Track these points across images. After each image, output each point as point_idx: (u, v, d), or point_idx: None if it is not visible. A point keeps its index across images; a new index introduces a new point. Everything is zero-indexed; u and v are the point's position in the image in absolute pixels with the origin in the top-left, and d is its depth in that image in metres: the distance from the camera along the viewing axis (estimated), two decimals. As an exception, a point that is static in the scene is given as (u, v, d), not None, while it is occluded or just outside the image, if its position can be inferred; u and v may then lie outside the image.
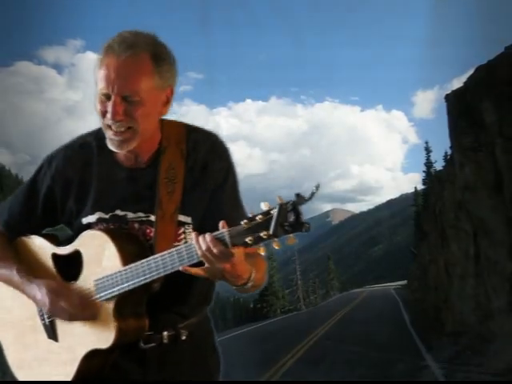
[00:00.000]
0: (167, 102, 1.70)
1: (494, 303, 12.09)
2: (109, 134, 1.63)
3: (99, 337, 1.62)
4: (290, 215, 1.36)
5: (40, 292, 1.66)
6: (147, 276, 1.56)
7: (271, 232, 1.37)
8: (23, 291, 1.73)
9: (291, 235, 1.39)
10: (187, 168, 1.72)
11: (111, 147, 1.65)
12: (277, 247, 1.41)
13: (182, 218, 1.69)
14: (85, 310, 1.63)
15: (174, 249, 1.54)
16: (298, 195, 1.37)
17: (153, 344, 1.69)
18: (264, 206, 1.41)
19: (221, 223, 1.45)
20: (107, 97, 1.59)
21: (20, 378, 1.81)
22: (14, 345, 1.83)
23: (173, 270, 1.54)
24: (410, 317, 22.25)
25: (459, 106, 15.27)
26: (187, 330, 1.74)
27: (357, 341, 14.52)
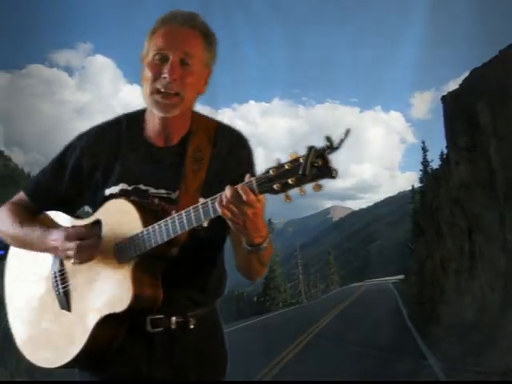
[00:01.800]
0: (206, 82, 1.74)
1: (488, 297, 12.08)
2: (156, 97, 1.63)
3: (115, 300, 1.59)
4: (319, 160, 1.31)
5: (57, 234, 1.64)
6: (170, 232, 1.53)
7: (300, 172, 1.31)
8: (44, 241, 1.69)
9: (318, 182, 1.34)
10: (213, 154, 1.72)
11: (157, 111, 1.66)
12: (302, 193, 1.36)
13: (202, 200, 1.62)
14: (98, 250, 1.61)
15: (199, 204, 1.51)
16: (328, 139, 1.31)
17: (160, 328, 1.66)
18: (290, 157, 1.36)
19: (247, 176, 1.43)
20: (164, 59, 1.62)
21: (25, 352, 1.77)
22: (24, 319, 1.80)
23: (197, 224, 1.50)
24: (408, 310, 22.24)
25: (455, 108, 15.26)
26: (196, 319, 1.71)
27: (356, 333, 14.53)
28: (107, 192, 1.71)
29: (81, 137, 1.80)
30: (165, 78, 1.61)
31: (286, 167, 1.35)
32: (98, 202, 1.72)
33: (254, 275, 1.75)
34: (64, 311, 1.70)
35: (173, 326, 1.67)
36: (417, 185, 49.86)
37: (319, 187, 1.34)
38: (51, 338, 1.73)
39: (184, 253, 1.62)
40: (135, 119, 1.77)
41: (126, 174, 1.71)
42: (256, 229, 1.51)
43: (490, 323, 9.39)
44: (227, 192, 1.43)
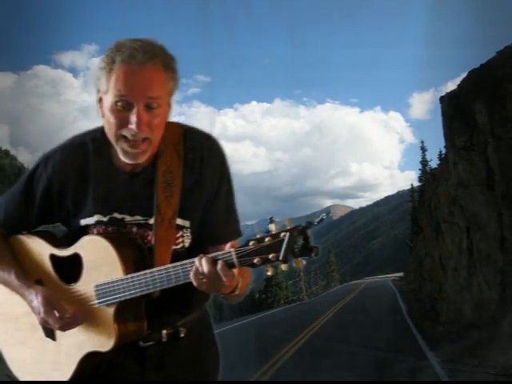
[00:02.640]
0: (170, 108, 1.64)
1: (485, 294, 12.07)
2: (124, 146, 1.54)
3: (98, 340, 1.56)
4: (299, 239, 1.32)
5: (36, 299, 1.59)
6: (150, 287, 1.50)
7: (281, 258, 1.32)
8: (21, 295, 1.65)
9: (299, 258, 1.34)
10: (185, 170, 1.64)
11: (125, 159, 1.57)
12: (284, 269, 1.35)
13: (180, 221, 1.63)
14: (78, 320, 1.57)
15: (178, 263, 1.48)
16: (308, 222, 1.33)
17: (151, 342, 1.64)
18: (273, 227, 1.35)
19: (228, 244, 1.41)
20: (127, 106, 1.51)
21: (16, 374, 1.74)
22: (11, 341, 1.76)
23: (176, 284, 1.49)
24: (407, 306, 22.22)
25: (453, 108, 15.25)
26: (186, 327, 1.68)
27: (356, 329, 14.54)
28: (83, 222, 1.66)
29: (46, 162, 1.70)
30: (131, 128, 1.51)
31: (267, 242, 1.34)
32: (73, 229, 1.68)
33: (235, 301, 1.69)
34: (49, 339, 1.66)
35: (164, 339, 1.65)
36: (416, 184, 49.95)
37: (300, 263, 1.35)
38: (37, 362, 1.69)
39: None
40: (100, 141, 1.65)
41: (99, 203, 1.65)
42: (228, 288, 1.48)
43: (487, 320, 9.38)
44: (204, 268, 1.41)
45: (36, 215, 1.72)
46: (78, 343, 1.60)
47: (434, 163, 43.48)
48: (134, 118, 1.50)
